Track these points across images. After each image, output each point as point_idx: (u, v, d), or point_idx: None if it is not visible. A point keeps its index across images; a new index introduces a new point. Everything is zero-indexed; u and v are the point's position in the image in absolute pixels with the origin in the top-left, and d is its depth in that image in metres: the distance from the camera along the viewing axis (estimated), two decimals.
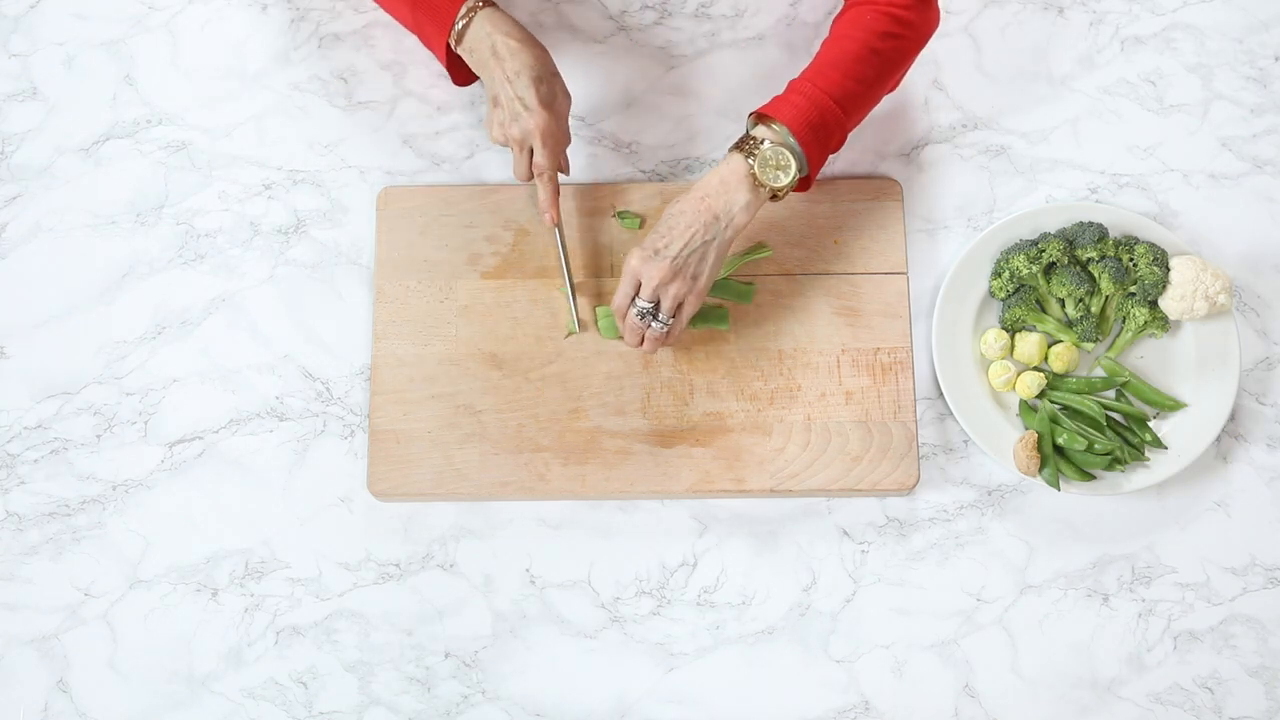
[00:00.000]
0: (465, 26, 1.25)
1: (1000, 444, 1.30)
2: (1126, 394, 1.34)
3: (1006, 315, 1.33)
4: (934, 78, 1.44)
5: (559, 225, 1.31)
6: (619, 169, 1.40)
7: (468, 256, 1.36)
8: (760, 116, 1.24)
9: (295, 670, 1.29)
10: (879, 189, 1.38)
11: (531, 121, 1.24)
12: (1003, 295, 1.33)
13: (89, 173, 1.42)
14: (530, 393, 1.32)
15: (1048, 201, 1.41)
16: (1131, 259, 1.33)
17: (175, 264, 1.39)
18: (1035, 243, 1.34)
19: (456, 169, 1.41)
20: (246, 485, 1.33)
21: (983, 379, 1.34)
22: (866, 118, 1.30)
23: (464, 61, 1.29)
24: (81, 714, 1.28)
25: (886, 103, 1.42)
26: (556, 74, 1.27)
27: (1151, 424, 1.32)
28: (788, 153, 1.22)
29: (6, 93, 1.44)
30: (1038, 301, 1.34)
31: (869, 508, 1.33)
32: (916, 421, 1.32)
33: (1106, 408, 1.32)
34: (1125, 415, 1.32)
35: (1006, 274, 1.33)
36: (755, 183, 1.22)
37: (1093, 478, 1.30)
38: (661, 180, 1.41)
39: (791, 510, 1.32)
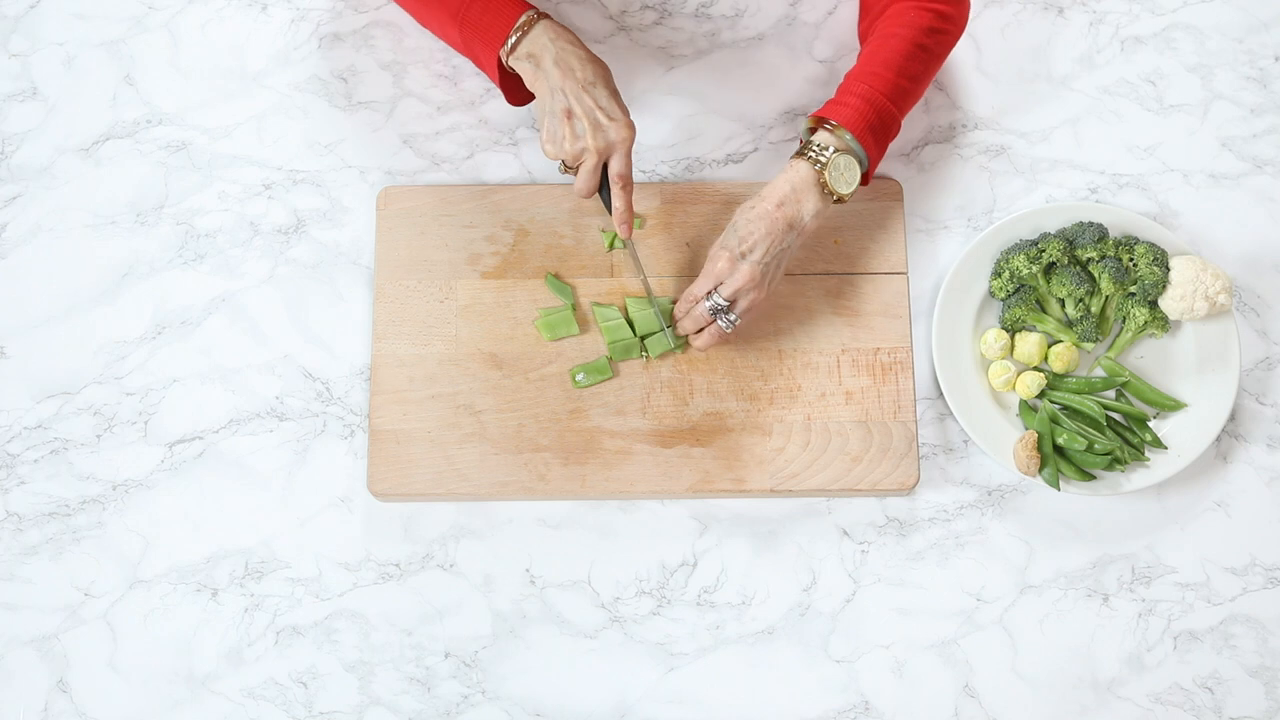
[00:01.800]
0: (522, 38, 1.23)
1: (1000, 444, 1.30)
2: (1126, 394, 1.34)
3: (1006, 315, 1.33)
4: (934, 78, 1.44)
5: (630, 242, 1.30)
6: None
7: (468, 256, 1.36)
8: (819, 120, 1.25)
9: (295, 670, 1.29)
10: (879, 189, 1.38)
11: (619, 132, 1.22)
12: (1003, 295, 1.33)
13: (89, 173, 1.42)
14: (530, 393, 1.32)
15: (1048, 201, 1.41)
16: (1131, 259, 1.33)
17: (175, 264, 1.39)
18: (1035, 243, 1.34)
19: (456, 169, 1.41)
20: (246, 485, 1.33)
21: (983, 379, 1.34)
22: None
23: (515, 79, 1.28)
24: (81, 714, 1.28)
25: None
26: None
27: (1151, 424, 1.32)
28: (853, 158, 1.24)
29: (6, 93, 1.44)
30: (1037, 301, 1.34)
31: (869, 508, 1.33)
32: (916, 421, 1.32)
33: (1106, 408, 1.32)
34: (1125, 415, 1.32)
35: (1006, 274, 1.33)
36: (824, 190, 1.24)
37: (1093, 478, 1.30)
38: (661, 180, 1.41)
39: (791, 510, 1.32)
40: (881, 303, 1.35)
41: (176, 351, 1.36)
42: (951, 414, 1.33)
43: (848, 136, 1.24)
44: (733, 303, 1.26)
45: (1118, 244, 1.34)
